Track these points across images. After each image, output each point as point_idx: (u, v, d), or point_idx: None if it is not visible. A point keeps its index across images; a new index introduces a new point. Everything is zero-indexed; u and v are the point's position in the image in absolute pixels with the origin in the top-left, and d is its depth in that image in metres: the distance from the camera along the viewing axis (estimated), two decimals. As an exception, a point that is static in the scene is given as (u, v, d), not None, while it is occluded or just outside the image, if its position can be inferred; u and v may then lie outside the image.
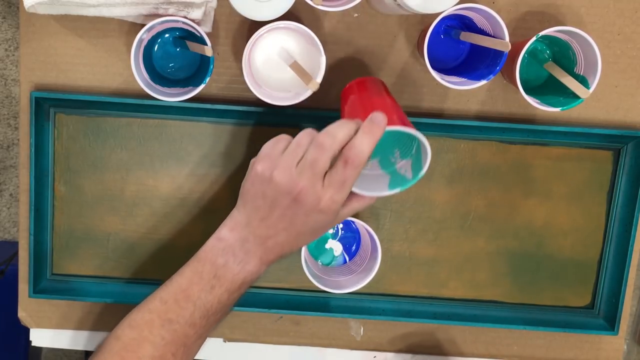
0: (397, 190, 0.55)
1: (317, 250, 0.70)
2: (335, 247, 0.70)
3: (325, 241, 0.70)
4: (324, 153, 0.52)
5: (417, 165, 0.55)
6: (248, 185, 0.57)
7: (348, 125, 0.52)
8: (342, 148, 0.52)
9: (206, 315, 0.59)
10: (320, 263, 0.70)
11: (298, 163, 0.53)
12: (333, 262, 0.70)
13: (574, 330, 0.72)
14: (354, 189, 0.55)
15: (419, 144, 0.54)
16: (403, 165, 0.57)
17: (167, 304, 0.58)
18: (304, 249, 0.64)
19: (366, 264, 0.66)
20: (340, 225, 0.70)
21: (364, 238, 0.68)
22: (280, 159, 0.54)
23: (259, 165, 0.55)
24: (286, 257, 0.59)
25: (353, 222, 0.68)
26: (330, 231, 0.69)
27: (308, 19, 0.69)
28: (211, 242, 0.59)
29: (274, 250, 0.58)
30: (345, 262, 0.70)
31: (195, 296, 0.58)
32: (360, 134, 0.51)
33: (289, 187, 0.53)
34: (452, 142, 0.71)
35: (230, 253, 0.58)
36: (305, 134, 0.55)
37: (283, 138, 0.57)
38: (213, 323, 0.60)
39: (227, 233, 0.59)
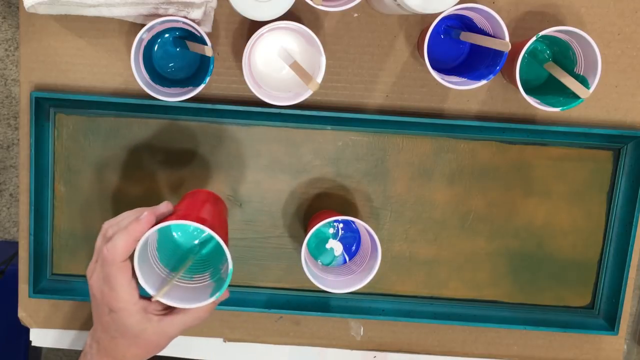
0: (215, 296, 0.54)
1: (318, 250, 0.70)
2: (335, 247, 0.70)
3: (326, 241, 0.70)
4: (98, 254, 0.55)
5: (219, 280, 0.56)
6: None
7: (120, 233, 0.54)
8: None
9: None
10: (320, 263, 0.70)
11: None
12: (333, 262, 0.70)
13: (574, 330, 0.72)
14: (173, 304, 0.54)
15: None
16: (225, 269, 0.56)
17: None
18: (304, 249, 0.64)
19: (366, 264, 0.66)
20: (341, 225, 0.70)
21: (364, 238, 0.68)
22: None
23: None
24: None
25: (353, 222, 0.68)
26: (331, 231, 0.69)
27: (308, 19, 0.69)
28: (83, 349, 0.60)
29: (107, 354, 0.57)
30: (345, 262, 0.70)
31: None
32: (120, 231, 0.53)
33: (89, 281, 0.55)
34: (452, 142, 0.71)
35: (86, 352, 0.59)
36: (100, 233, 0.56)
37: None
38: None
39: (88, 338, 0.59)
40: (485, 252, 0.73)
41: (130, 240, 0.52)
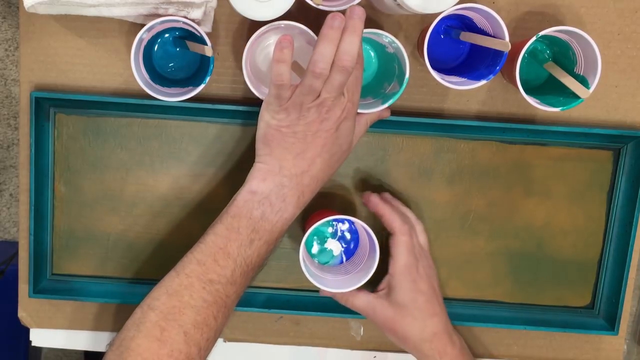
0: (390, 102, 0.63)
1: (316, 249, 0.70)
2: (334, 246, 0.70)
3: (325, 240, 0.70)
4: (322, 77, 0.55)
5: (400, 77, 0.63)
6: (271, 132, 0.58)
7: (328, 42, 0.54)
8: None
9: (246, 271, 0.57)
10: (317, 262, 0.70)
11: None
12: (331, 262, 0.70)
13: (574, 330, 0.72)
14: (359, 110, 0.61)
15: (399, 62, 0.62)
16: (392, 88, 0.64)
17: (205, 265, 0.56)
18: (302, 248, 0.64)
19: (364, 264, 0.66)
20: (340, 225, 0.70)
21: (362, 237, 0.68)
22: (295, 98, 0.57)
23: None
24: (318, 189, 0.60)
25: (352, 222, 0.68)
26: (330, 230, 0.69)
27: (308, 19, 0.69)
28: (243, 196, 0.58)
29: (310, 186, 0.59)
30: (342, 261, 0.70)
31: (235, 253, 0.57)
32: (344, 36, 0.53)
33: (317, 108, 0.56)
34: (452, 142, 0.71)
35: (267, 204, 0.58)
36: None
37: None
38: (251, 279, 0.59)
39: (259, 184, 0.58)
40: (485, 252, 0.73)
41: (358, 40, 0.54)
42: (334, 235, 0.70)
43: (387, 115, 0.65)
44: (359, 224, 0.64)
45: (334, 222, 0.70)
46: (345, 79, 0.54)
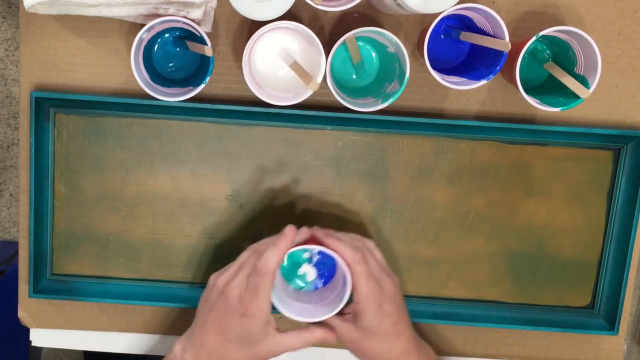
0: (389, 102, 0.63)
1: (291, 272, 0.66)
2: (309, 272, 0.66)
3: (299, 265, 0.66)
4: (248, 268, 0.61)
5: (401, 77, 0.63)
6: (201, 297, 0.64)
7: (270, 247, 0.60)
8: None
9: None
10: (292, 287, 0.66)
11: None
12: (305, 288, 0.66)
13: (574, 330, 0.72)
14: (296, 317, 0.61)
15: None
16: (392, 87, 0.64)
17: None
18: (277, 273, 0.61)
19: (338, 291, 0.63)
20: (316, 250, 0.64)
21: (339, 266, 0.63)
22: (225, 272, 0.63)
23: (212, 278, 0.63)
24: None
25: (327, 253, 0.62)
26: (306, 255, 0.65)
27: (308, 19, 0.69)
28: (166, 357, 0.63)
29: (203, 357, 0.60)
30: (317, 288, 0.66)
31: None
32: (271, 246, 0.59)
33: (223, 287, 0.61)
34: (452, 142, 0.71)
35: None
36: (246, 252, 0.63)
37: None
38: None
39: (176, 346, 0.62)
40: (485, 252, 0.73)
41: (280, 254, 0.59)
42: (310, 260, 0.66)
43: (330, 341, 0.63)
44: (335, 256, 0.61)
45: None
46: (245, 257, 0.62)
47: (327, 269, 0.66)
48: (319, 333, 0.62)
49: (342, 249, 0.61)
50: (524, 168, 0.72)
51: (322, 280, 0.66)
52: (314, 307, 0.63)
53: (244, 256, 0.62)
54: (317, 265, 0.66)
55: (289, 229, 0.60)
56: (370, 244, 0.65)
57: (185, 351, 0.61)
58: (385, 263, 0.65)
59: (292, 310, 0.62)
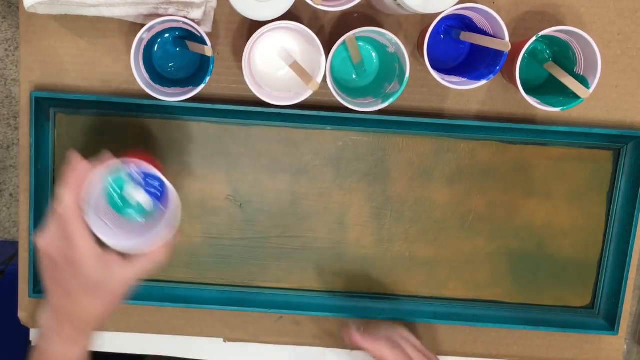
0: (389, 102, 0.63)
1: (126, 207, 0.61)
2: (141, 199, 0.61)
3: (128, 196, 0.61)
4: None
5: (401, 77, 0.62)
6: None
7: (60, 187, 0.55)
8: None
9: None
10: (138, 221, 0.61)
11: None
12: (149, 215, 0.61)
13: (574, 330, 0.72)
14: (128, 250, 0.56)
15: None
16: (392, 87, 0.64)
17: None
18: (101, 202, 0.57)
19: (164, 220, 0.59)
20: (126, 171, 0.59)
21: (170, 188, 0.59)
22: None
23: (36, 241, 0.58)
24: (90, 326, 0.58)
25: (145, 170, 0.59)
26: (128, 182, 0.60)
27: (308, 19, 0.69)
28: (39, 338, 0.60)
29: (65, 321, 0.57)
30: (148, 214, 0.61)
31: None
32: (61, 187, 0.54)
33: (43, 247, 0.56)
34: (452, 142, 0.71)
35: (41, 333, 0.59)
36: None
37: None
38: None
39: (41, 321, 0.59)
40: (485, 252, 0.73)
41: (71, 190, 0.54)
42: (136, 186, 0.60)
43: (175, 239, 0.59)
44: (145, 168, 0.57)
45: (135, 172, 0.60)
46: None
47: (159, 186, 0.61)
48: (167, 238, 0.58)
49: (378, 346, 0.65)
50: (524, 168, 0.72)
51: (160, 202, 0.61)
52: (150, 232, 0.59)
53: (50, 219, 0.57)
54: (149, 189, 0.61)
55: (74, 158, 0.55)
56: (404, 332, 0.69)
57: (47, 320, 0.58)
58: (421, 346, 0.68)
59: (103, 231, 0.56)
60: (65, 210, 0.54)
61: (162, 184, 0.59)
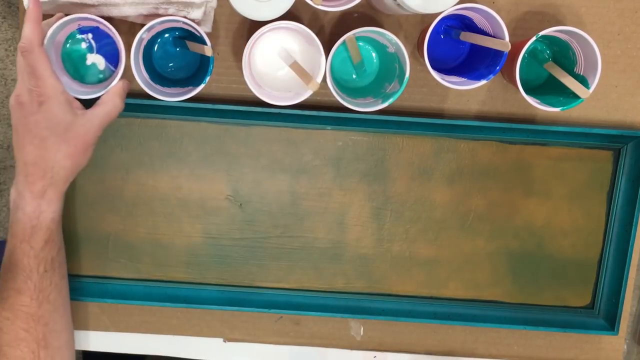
0: (389, 102, 0.63)
1: (82, 70, 0.65)
2: (96, 60, 0.65)
3: (84, 59, 0.64)
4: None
5: (401, 77, 0.63)
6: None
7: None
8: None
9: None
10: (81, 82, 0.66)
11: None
12: (104, 77, 0.65)
13: (574, 330, 0.72)
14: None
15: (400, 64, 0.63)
16: (392, 87, 0.65)
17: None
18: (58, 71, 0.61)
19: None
20: (90, 35, 0.65)
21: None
22: None
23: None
24: (59, 178, 0.61)
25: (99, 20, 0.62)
26: (83, 45, 0.64)
27: (308, 19, 0.69)
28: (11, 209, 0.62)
29: (35, 174, 0.60)
30: (113, 72, 0.64)
31: None
32: (24, 23, 0.58)
33: (14, 99, 0.59)
34: (452, 142, 0.71)
35: (13, 207, 0.61)
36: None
37: None
38: (52, 281, 0.62)
39: (11, 193, 0.62)
40: (485, 252, 0.73)
41: (33, 24, 0.57)
42: (90, 49, 0.64)
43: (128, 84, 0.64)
44: (100, 22, 0.61)
45: (81, 35, 0.63)
46: (21, 62, 0.59)
47: (113, 52, 0.65)
48: (118, 82, 0.62)
49: None
50: (524, 168, 0.72)
51: (113, 65, 0.66)
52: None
53: (17, 65, 0.61)
54: (102, 50, 0.65)
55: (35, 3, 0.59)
56: None
57: (17, 188, 0.61)
58: None
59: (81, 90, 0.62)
60: (28, 43, 0.57)
61: (113, 42, 0.62)
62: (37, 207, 0.60)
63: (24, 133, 0.59)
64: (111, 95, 0.62)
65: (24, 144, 0.60)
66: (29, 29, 0.57)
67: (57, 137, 0.59)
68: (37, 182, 0.60)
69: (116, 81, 0.62)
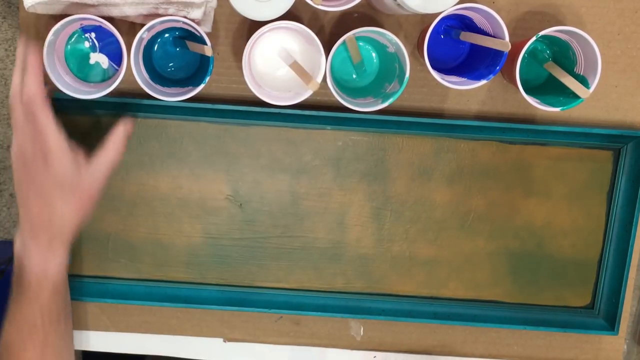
0: (389, 102, 0.63)
1: (85, 69, 0.65)
2: (100, 59, 0.64)
3: (87, 58, 0.64)
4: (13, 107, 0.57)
5: (401, 77, 0.63)
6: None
7: (15, 73, 0.57)
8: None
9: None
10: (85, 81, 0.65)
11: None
12: (107, 74, 0.65)
13: (574, 330, 0.72)
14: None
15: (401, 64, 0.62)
16: (392, 87, 0.64)
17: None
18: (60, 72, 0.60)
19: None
20: (93, 35, 0.64)
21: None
22: None
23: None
24: (66, 231, 0.59)
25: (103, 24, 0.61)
26: (86, 44, 0.64)
27: (308, 19, 0.69)
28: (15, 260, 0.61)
29: (41, 227, 0.58)
30: (116, 70, 0.64)
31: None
32: (25, 78, 0.56)
33: (16, 153, 0.57)
34: (452, 142, 0.71)
35: (18, 257, 0.59)
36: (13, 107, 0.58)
37: None
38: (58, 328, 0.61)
39: (15, 243, 0.60)
40: (485, 252, 0.73)
41: (35, 75, 0.55)
42: (93, 48, 0.63)
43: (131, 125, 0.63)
44: (101, 24, 0.60)
45: (85, 35, 0.62)
46: (19, 110, 0.56)
47: (116, 50, 0.63)
48: (120, 127, 0.62)
49: None
50: (524, 168, 0.72)
51: (116, 63, 0.64)
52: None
53: (14, 114, 0.58)
54: (105, 50, 0.64)
55: (33, 45, 0.56)
56: None
57: (22, 239, 0.59)
58: None
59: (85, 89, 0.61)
60: (30, 99, 0.55)
61: (116, 41, 0.61)
62: (44, 261, 0.59)
63: (29, 188, 0.58)
64: (115, 143, 0.61)
65: (28, 198, 0.58)
66: (31, 82, 0.55)
67: (63, 192, 0.58)
68: (42, 236, 0.59)
69: (118, 81, 0.61)
